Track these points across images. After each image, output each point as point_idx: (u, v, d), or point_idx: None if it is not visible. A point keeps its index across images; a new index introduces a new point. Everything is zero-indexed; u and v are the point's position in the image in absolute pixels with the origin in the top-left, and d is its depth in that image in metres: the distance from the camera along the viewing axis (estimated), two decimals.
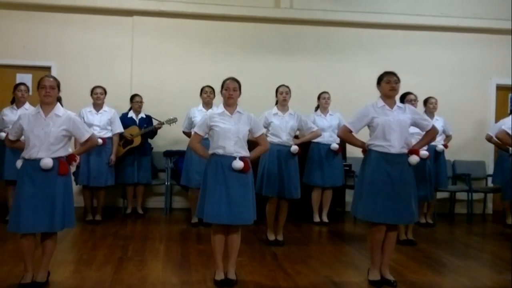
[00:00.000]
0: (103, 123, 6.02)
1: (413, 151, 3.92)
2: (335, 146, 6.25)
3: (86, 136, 3.72)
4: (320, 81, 7.08)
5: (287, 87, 5.30)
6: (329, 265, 4.61)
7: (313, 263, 4.65)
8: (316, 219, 6.38)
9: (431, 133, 4.08)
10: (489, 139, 6.62)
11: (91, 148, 4.05)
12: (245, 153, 3.84)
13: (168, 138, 6.99)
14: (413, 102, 5.28)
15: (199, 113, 5.86)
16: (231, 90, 3.86)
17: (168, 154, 6.89)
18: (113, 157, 6.04)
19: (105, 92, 6.12)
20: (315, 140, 6.10)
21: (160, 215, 6.70)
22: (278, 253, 4.92)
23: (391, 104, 3.97)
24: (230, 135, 3.79)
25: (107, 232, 5.57)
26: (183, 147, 6.64)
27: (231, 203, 3.72)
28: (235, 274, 3.91)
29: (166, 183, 6.77)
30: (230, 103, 3.89)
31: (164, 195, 6.86)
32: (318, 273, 4.31)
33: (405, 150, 3.90)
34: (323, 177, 6.27)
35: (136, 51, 7.15)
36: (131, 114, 6.52)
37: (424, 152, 5.13)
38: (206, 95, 5.95)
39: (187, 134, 5.99)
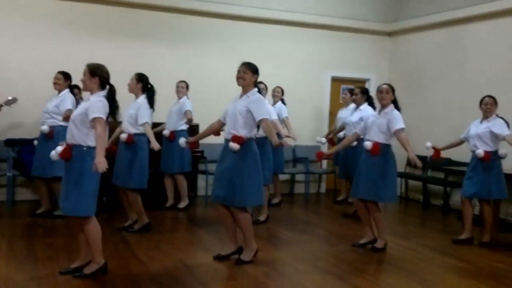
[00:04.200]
0: None
1: (234, 138, 4.17)
2: (166, 132, 6.40)
3: None
4: (175, 69, 7.22)
5: (135, 74, 5.35)
6: (181, 249, 4.83)
7: (166, 248, 4.82)
8: (168, 204, 6.57)
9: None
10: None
11: None
12: (74, 141, 3.70)
13: (7, 124, 6.48)
14: (263, 91, 5.71)
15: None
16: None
17: (10, 143, 6.39)
18: None
19: None
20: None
21: (2, 208, 6.24)
22: (130, 240, 4.99)
23: (243, 94, 4.30)
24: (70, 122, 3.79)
25: None
26: (26, 134, 6.30)
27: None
28: None
29: (7, 174, 6.30)
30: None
31: (6, 187, 6.39)
32: (171, 257, 4.50)
33: (230, 137, 4.21)
34: (174, 164, 6.43)
35: None
36: None
37: None
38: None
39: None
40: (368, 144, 4.82)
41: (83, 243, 3.92)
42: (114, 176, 5.20)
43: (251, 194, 4.22)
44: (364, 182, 4.88)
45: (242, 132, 4.18)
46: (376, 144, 4.79)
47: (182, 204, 6.59)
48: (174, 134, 6.32)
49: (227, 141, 4.25)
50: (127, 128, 5.23)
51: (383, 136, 4.82)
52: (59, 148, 3.69)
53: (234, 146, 4.13)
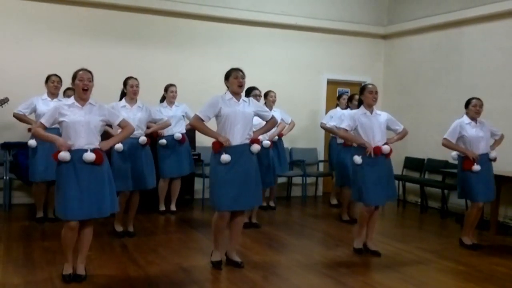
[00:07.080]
0: None
1: (255, 140, 4.29)
2: (178, 135, 6.39)
3: None
4: (170, 73, 7.20)
5: (136, 79, 5.32)
6: (178, 252, 4.82)
7: (163, 251, 4.80)
8: (162, 208, 6.55)
9: (271, 122, 4.52)
10: (323, 127, 7.16)
11: None
12: (96, 146, 3.78)
13: (1, 126, 6.43)
14: (258, 97, 5.70)
15: (43, 103, 5.63)
16: (85, 80, 3.78)
17: (7, 146, 6.37)
18: None
19: None
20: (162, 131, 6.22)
21: None
22: (128, 244, 4.97)
23: (238, 98, 4.28)
24: (80, 128, 3.72)
25: None
26: (21, 137, 6.27)
27: (86, 198, 3.66)
28: (85, 269, 3.91)
29: (4, 177, 6.25)
30: (84, 97, 3.79)
31: (3, 191, 6.33)
32: (169, 261, 4.48)
33: (247, 140, 4.25)
34: (171, 167, 6.41)
35: None
36: None
37: (266, 142, 5.58)
38: (53, 85, 5.73)
39: (18, 117, 5.68)
40: (387, 148, 4.73)
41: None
42: (134, 181, 5.11)
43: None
44: (392, 185, 4.90)
45: (253, 135, 4.35)
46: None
47: (174, 207, 6.60)
48: (185, 137, 6.47)
49: (242, 145, 4.19)
50: (139, 131, 5.14)
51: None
52: (92, 155, 3.68)
53: (258, 147, 4.28)
